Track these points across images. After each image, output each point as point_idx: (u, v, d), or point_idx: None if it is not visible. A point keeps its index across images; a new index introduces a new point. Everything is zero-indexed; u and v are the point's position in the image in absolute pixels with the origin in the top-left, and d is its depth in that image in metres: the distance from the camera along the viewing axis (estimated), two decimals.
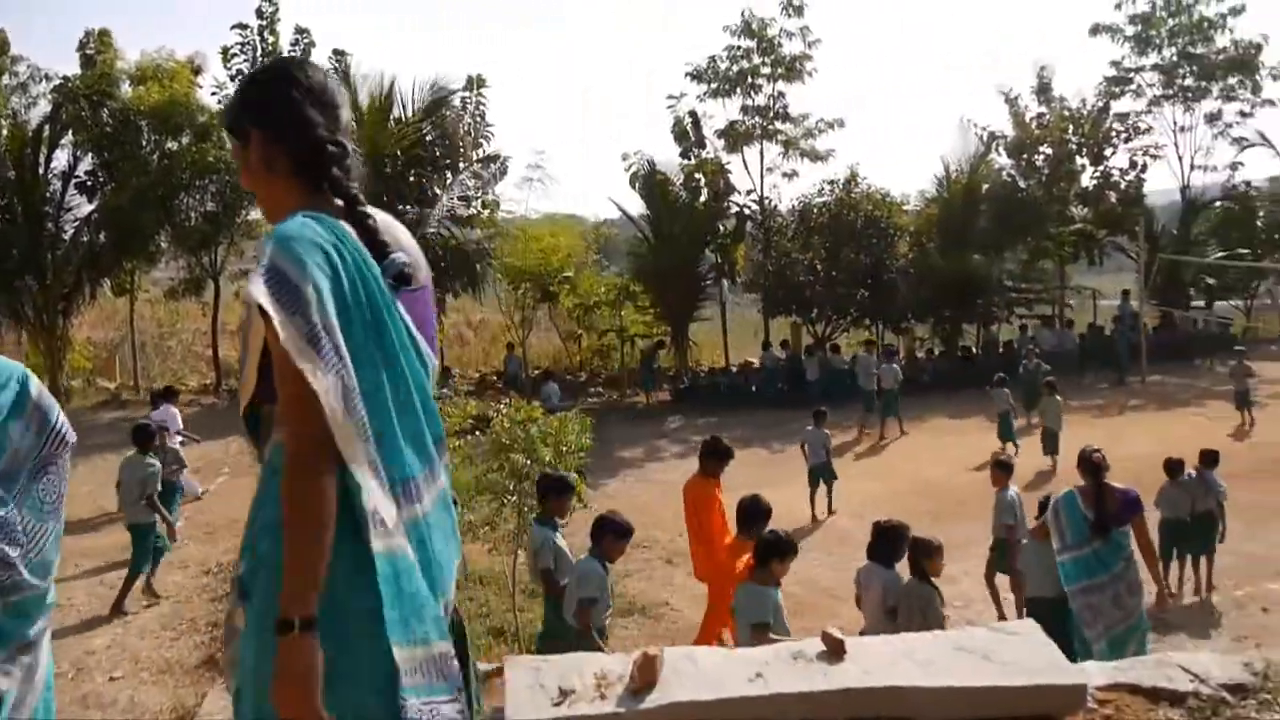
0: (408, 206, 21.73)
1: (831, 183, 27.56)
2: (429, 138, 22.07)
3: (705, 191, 26.12)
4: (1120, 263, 31.78)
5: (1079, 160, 29.15)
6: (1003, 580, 9.77)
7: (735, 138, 26.85)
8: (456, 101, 22.90)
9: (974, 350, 26.40)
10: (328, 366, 1.86)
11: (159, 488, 10.11)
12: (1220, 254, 28.76)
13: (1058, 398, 16.31)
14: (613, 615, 7.21)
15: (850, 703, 2.82)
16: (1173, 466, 10.43)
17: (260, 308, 1.85)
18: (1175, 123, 30.36)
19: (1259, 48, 28.98)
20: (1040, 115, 29.29)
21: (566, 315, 28.04)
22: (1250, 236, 29.78)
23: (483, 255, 22.68)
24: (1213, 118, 30.16)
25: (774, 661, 3.01)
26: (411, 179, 22.04)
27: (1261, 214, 30.47)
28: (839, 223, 26.43)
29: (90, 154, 22.62)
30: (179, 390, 15.13)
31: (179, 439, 13.18)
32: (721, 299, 27.96)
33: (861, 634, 6.13)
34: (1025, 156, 28.73)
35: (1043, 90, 29.45)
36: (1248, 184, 30.89)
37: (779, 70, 26.67)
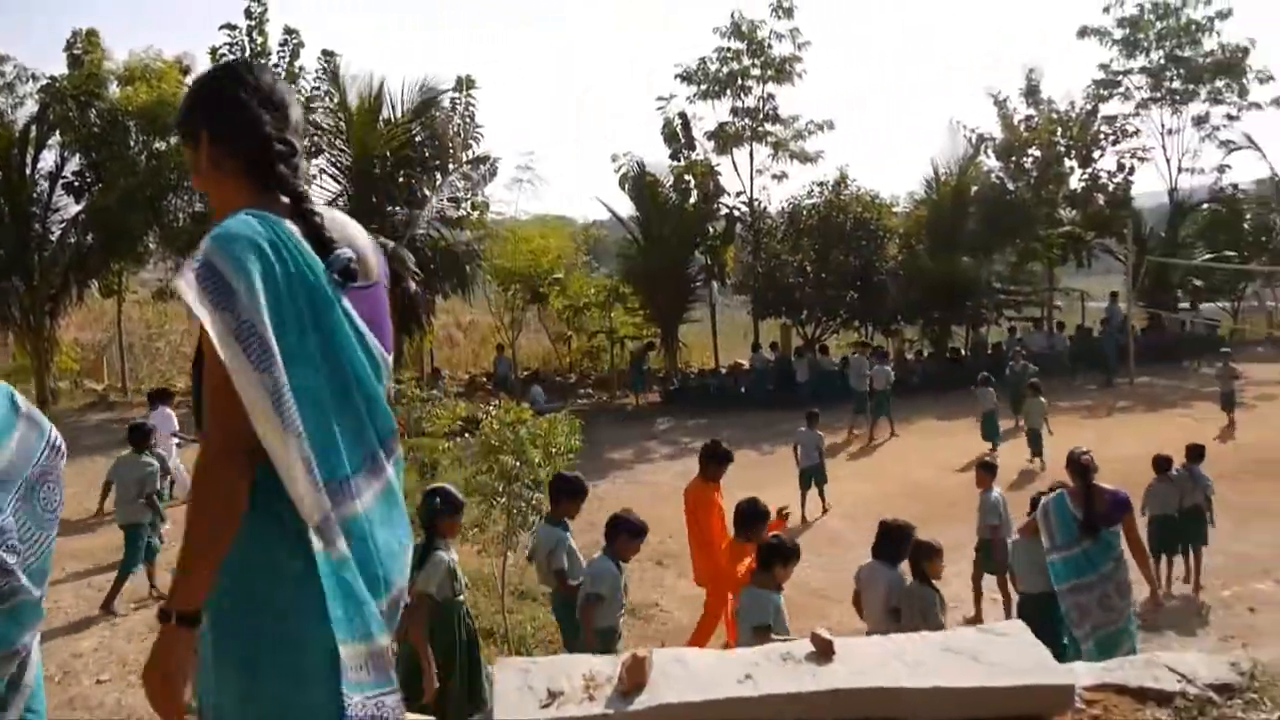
0: (397, 208, 21.65)
1: (821, 184, 27.66)
2: (418, 139, 22.00)
3: (695, 193, 26.15)
4: (1108, 265, 31.88)
5: (1067, 163, 29.22)
6: (990, 580, 9.82)
7: (725, 139, 26.87)
8: (446, 102, 22.85)
9: (963, 352, 26.46)
10: (255, 364, 1.87)
11: (158, 486, 10.16)
12: (1207, 256, 28.86)
13: (1041, 399, 16.40)
14: (626, 614, 7.17)
15: (839, 703, 2.82)
16: (1161, 463, 10.57)
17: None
18: (1163, 125, 30.51)
19: (1246, 51, 29.09)
20: (1029, 118, 29.35)
21: (556, 317, 28.05)
22: (1237, 239, 29.90)
23: (472, 257, 22.62)
24: (1200, 120, 30.28)
25: (763, 663, 3.02)
26: (401, 180, 21.96)
27: (1248, 216, 30.61)
28: (828, 224, 26.47)
29: (78, 154, 22.50)
30: (173, 392, 15.06)
31: (175, 441, 13.15)
32: (711, 300, 27.98)
33: (868, 634, 6.16)
34: (1014, 159, 28.81)
35: (1031, 92, 29.53)
36: (1235, 187, 31.04)
37: (769, 72, 26.69)
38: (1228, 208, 30.48)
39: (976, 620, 9.18)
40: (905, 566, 6.74)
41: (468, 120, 23.60)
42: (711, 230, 26.66)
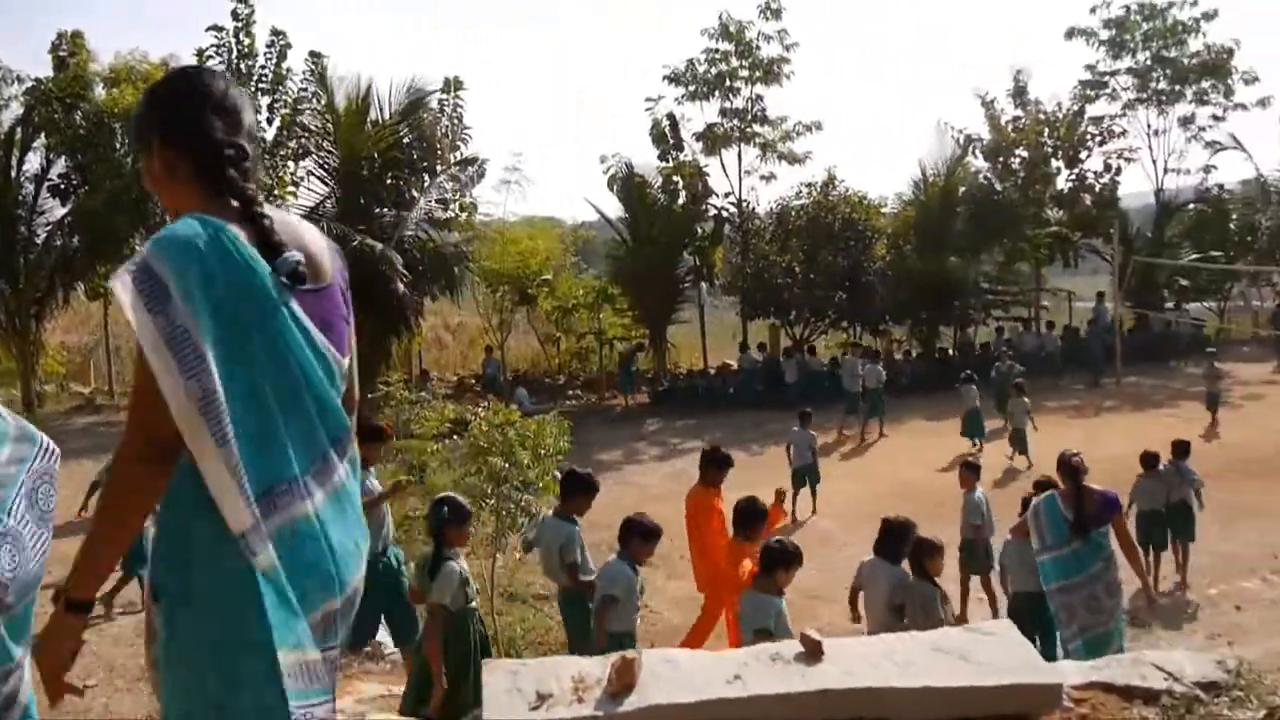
0: (385, 209, 21.60)
1: (809, 185, 27.65)
2: (406, 140, 21.95)
3: (683, 194, 26.15)
4: (1095, 265, 32.00)
5: (1054, 163, 29.31)
6: (975, 580, 9.84)
7: (713, 140, 26.87)
8: (434, 103, 22.81)
9: (951, 352, 26.53)
10: (184, 370, 1.88)
11: None
12: (1193, 256, 28.97)
13: (1025, 399, 16.52)
14: (642, 617, 7.10)
15: (828, 704, 2.83)
16: (1148, 460, 10.67)
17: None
18: (1149, 126, 30.60)
19: (1231, 52, 29.20)
20: (1016, 118, 29.44)
21: (545, 318, 28.03)
22: (1223, 239, 30.01)
23: (460, 258, 22.57)
24: (1186, 121, 30.39)
25: (752, 663, 3.02)
26: (389, 181, 21.88)
27: (1234, 217, 30.71)
28: (817, 225, 26.49)
29: (63, 157, 22.40)
30: None
31: None
32: (700, 301, 28.00)
33: (869, 632, 6.18)
34: (1001, 159, 28.89)
35: (1019, 93, 29.61)
36: (1220, 187, 31.16)
37: (757, 73, 26.70)
38: (1213, 208, 30.59)
39: (962, 620, 9.22)
40: (906, 564, 6.76)
41: (456, 121, 23.57)
42: (700, 231, 26.66)
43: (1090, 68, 30.57)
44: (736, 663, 3.02)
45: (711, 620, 8.32)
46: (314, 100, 21.90)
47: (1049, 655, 6.28)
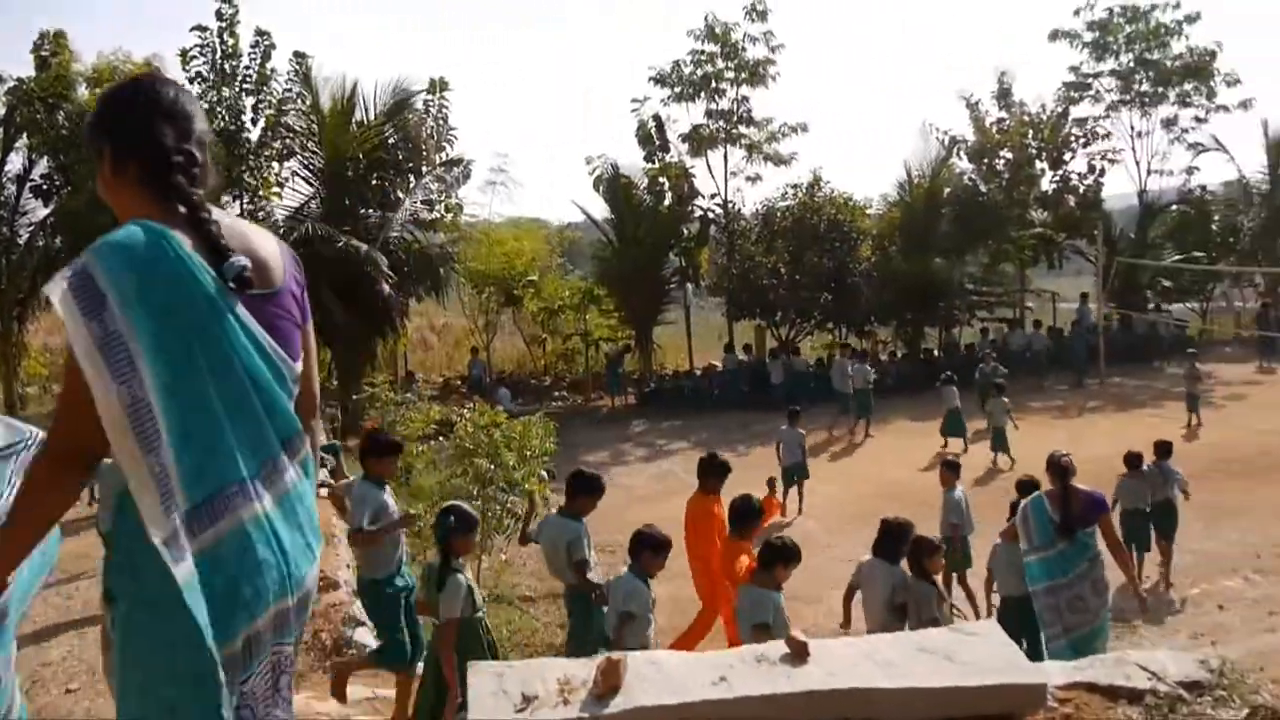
0: (370, 210, 21.58)
1: (795, 186, 27.73)
2: (391, 141, 21.92)
3: (669, 195, 26.18)
4: (1079, 266, 32.16)
5: (1038, 165, 29.49)
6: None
7: (699, 141, 26.91)
8: (419, 104, 22.78)
9: (936, 353, 26.61)
10: (116, 375, 1.90)
11: None
12: (1176, 257, 29.15)
13: (1004, 399, 16.62)
14: (655, 630, 6.97)
15: (813, 705, 2.83)
16: (1131, 460, 10.74)
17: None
18: (1132, 128, 30.81)
19: (1213, 55, 29.40)
20: (1001, 120, 29.58)
21: (531, 319, 28.03)
22: (1205, 240, 30.21)
23: (446, 259, 22.56)
24: (1169, 123, 30.59)
25: (738, 665, 3.02)
26: (374, 182, 21.86)
27: (1216, 218, 30.94)
28: (802, 226, 26.54)
29: (45, 157, 22.22)
30: None
31: None
32: (686, 302, 28.03)
33: (869, 631, 6.19)
34: (986, 161, 29.04)
35: (1003, 95, 29.76)
36: (1203, 188, 31.36)
37: (742, 74, 26.75)
38: (1196, 209, 30.80)
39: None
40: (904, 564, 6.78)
41: (441, 122, 23.55)
42: (686, 232, 26.71)
43: (1074, 70, 30.82)
44: (722, 664, 3.02)
45: (706, 626, 8.31)
46: (299, 101, 21.81)
47: (1035, 658, 6.31)
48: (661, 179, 26.07)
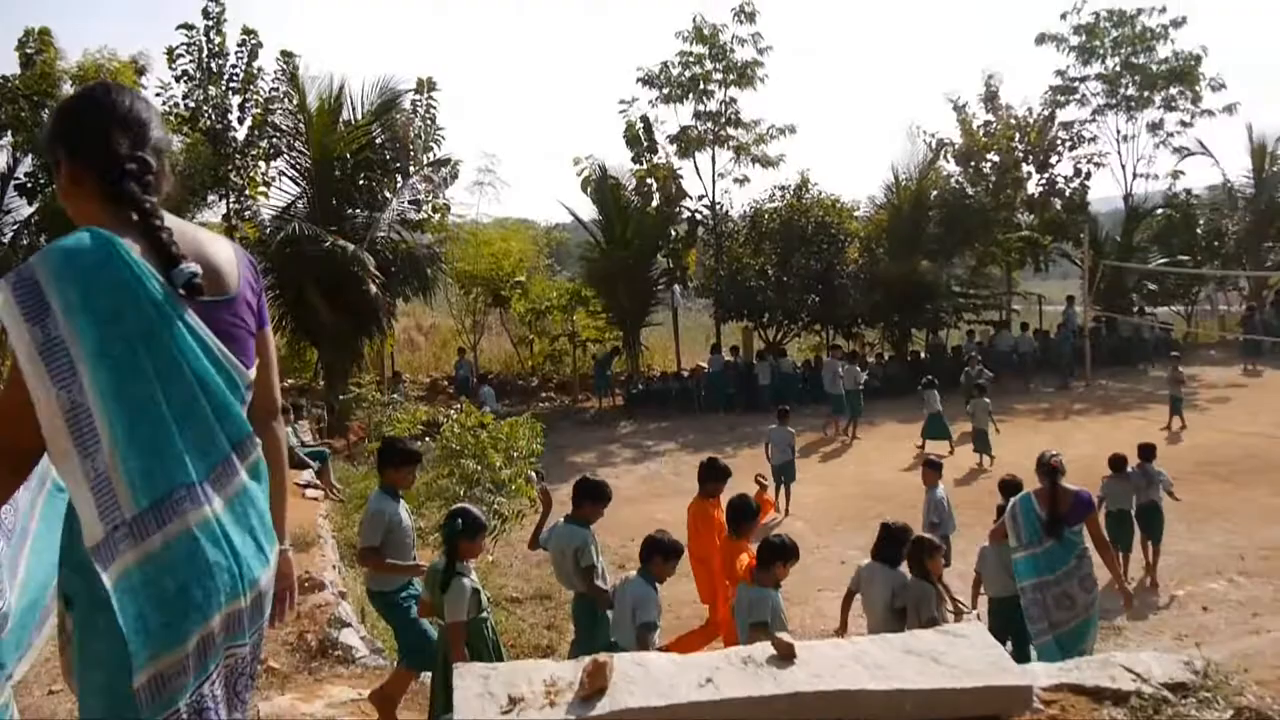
0: (357, 210, 21.49)
1: (783, 188, 27.78)
2: (379, 141, 21.86)
3: (657, 196, 26.16)
4: (1065, 269, 32.30)
5: (1025, 168, 29.60)
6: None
7: (687, 143, 26.87)
8: (407, 104, 22.70)
9: (922, 355, 26.68)
10: (57, 379, 1.94)
11: None
12: (1161, 261, 29.30)
13: (986, 400, 16.71)
14: (663, 635, 6.93)
15: (799, 706, 2.82)
16: (1116, 462, 10.80)
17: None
18: (1118, 131, 30.92)
19: (1198, 59, 29.55)
20: (987, 123, 29.68)
21: (518, 320, 27.98)
22: (1190, 243, 30.39)
23: (433, 260, 22.51)
24: (1154, 127, 30.72)
25: (724, 666, 3.01)
26: (361, 182, 21.79)
27: (1201, 222, 31.13)
28: (790, 228, 26.58)
29: (30, 155, 22.12)
30: None
31: None
32: (673, 304, 28.00)
33: (870, 633, 6.20)
34: (973, 164, 29.10)
35: (990, 98, 29.86)
36: (1188, 192, 31.52)
37: (730, 76, 26.74)
38: (1181, 213, 30.96)
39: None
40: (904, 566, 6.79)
41: (429, 122, 23.49)
42: (674, 233, 26.70)
43: (1060, 73, 30.95)
44: (708, 666, 3.02)
45: (709, 637, 8.26)
46: (286, 100, 21.73)
47: (1022, 659, 6.33)
48: (649, 180, 26.04)
